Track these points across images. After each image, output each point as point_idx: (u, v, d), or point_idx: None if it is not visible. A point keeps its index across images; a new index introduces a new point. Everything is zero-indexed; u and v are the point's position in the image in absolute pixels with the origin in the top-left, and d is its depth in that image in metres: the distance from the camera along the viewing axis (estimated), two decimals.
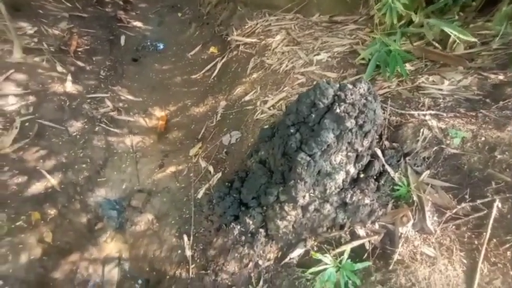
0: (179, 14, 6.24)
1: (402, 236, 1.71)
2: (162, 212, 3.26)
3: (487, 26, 2.94)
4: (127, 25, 5.55)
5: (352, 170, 1.88)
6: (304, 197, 1.95)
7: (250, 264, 2.20)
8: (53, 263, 2.70)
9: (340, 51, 3.63)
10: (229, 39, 4.71)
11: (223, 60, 4.63)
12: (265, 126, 2.49)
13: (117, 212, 3.30)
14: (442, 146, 1.87)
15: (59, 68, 4.05)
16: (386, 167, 1.92)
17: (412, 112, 2.14)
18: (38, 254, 2.64)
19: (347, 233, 1.93)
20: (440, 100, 2.27)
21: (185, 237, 2.86)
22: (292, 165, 1.97)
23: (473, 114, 2.02)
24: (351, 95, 1.66)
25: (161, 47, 5.49)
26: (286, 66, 3.72)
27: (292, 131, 1.87)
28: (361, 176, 1.91)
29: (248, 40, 4.46)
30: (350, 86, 1.71)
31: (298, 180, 1.88)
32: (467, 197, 1.69)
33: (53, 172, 3.17)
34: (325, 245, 1.96)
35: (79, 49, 4.55)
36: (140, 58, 5.22)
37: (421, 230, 1.72)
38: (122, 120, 3.99)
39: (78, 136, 3.64)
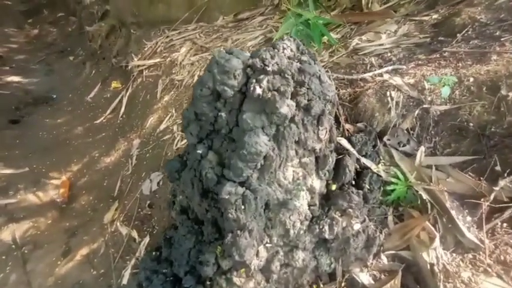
0: (71, 58, 5.09)
1: (435, 267, 0.94)
2: None
3: None
4: None
5: (318, 184, 1.08)
6: (257, 253, 1.08)
7: None
8: None
9: (254, 44, 2.97)
10: (129, 67, 3.77)
11: (128, 93, 3.65)
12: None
13: None
14: (424, 105, 1.20)
15: None
16: (363, 160, 1.17)
17: (364, 75, 1.46)
18: None
19: (343, 284, 1.10)
20: (389, 54, 1.65)
21: None
22: (221, 207, 1.10)
23: (438, 56, 1.41)
24: (272, 58, 0.88)
25: (53, 97, 4.27)
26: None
27: (200, 151, 1.01)
28: (333, 187, 1.12)
29: (151, 62, 3.57)
30: (269, 49, 0.94)
31: (238, 231, 1.02)
32: (498, 168, 1.01)
33: None
34: None
35: None
36: (24, 118, 3.93)
37: (459, 248, 0.96)
38: None
39: None
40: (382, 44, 1.80)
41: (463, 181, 1.03)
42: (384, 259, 1.06)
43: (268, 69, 0.85)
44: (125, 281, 2.08)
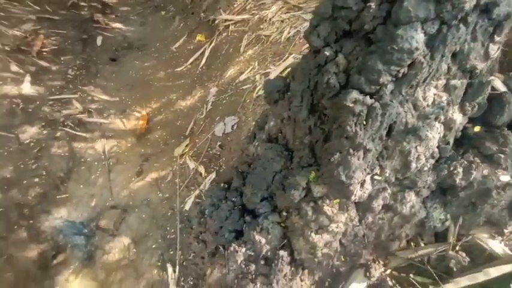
0: (163, 13, 5.48)
1: None
2: (140, 233, 2.23)
3: None
4: (105, 26, 4.80)
5: (459, 119, 0.87)
6: (363, 182, 0.94)
7: None
8: None
9: None
10: (216, 21, 3.84)
11: (211, 45, 3.74)
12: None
13: (84, 238, 2.25)
14: None
15: (14, 68, 3.19)
16: None
17: None
18: None
19: (457, 249, 0.90)
20: None
21: (169, 268, 1.85)
22: (329, 127, 0.96)
23: None
24: None
25: (144, 45, 4.68)
26: (289, 33, 2.80)
27: (328, 53, 0.88)
28: (476, 129, 0.90)
29: (238, 18, 3.57)
30: None
31: (350, 150, 0.88)
32: None
33: None
34: (409, 274, 0.92)
35: (44, 49, 3.78)
36: (119, 58, 4.38)
37: None
38: (93, 123, 3.02)
39: (32, 144, 2.70)
40: None
41: None
42: None
43: None
44: (187, 207, 2.16)
